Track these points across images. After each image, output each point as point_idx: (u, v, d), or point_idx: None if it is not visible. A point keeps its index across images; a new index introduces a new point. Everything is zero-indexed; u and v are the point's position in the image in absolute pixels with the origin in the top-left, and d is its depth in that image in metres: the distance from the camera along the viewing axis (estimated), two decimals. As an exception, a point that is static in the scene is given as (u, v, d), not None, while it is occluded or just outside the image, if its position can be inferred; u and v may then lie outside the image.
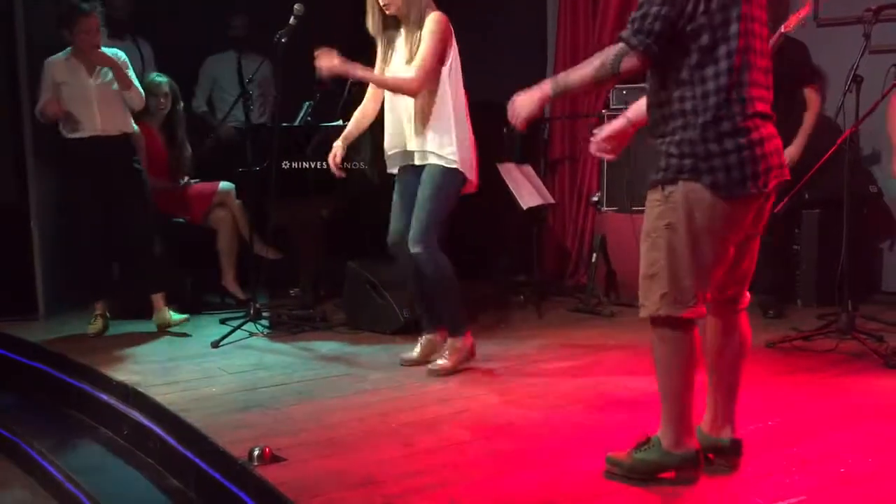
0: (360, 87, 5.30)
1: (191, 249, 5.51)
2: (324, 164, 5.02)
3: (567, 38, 6.26)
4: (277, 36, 4.50)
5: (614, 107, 5.75)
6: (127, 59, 4.81)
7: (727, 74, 2.38)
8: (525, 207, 5.14)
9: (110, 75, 4.71)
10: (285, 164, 4.95)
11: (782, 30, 4.56)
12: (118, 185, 4.75)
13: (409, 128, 3.85)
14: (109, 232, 4.78)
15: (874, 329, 4.35)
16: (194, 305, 5.30)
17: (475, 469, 2.75)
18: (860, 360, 3.95)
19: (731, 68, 2.38)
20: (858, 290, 4.60)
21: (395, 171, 4.03)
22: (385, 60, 3.91)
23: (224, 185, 5.58)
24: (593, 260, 5.49)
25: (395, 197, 4.01)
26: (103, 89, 4.69)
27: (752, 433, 3.03)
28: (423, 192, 3.80)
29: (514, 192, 5.12)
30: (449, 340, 3.91)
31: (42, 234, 5.21)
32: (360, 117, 4.11)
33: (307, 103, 5.46)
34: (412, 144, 3.86)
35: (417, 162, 3.86)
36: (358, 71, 3.77)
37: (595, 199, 5.84)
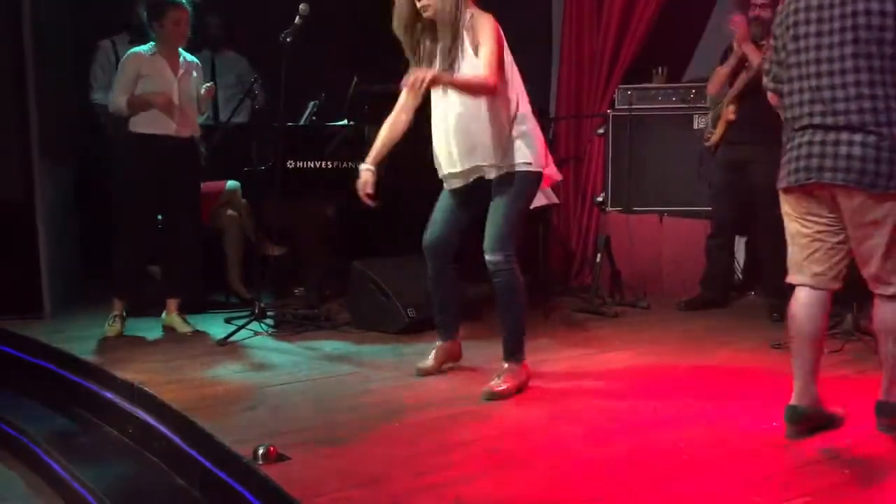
0: (365, 87, 5.33)
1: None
2: (329, 163, 5.08)
3: (571, 45, 6.26)
4: (283, 36, 4.51)
5: (619, 107, 5.77)
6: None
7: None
8: (529, 207, 5.13)
9: (193, 75, 4.74)
10: (290, 164, 4.96)
11: None
12: (180, 189, 4.72)
13: (467, 144, 3.54)
14: (156, 231, 4.72)
15: (879, 330, 4.35)
16: (199, 304, 5.31)
17: (480, 469, 2.76)
18: (865, 362, 3.95)
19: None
20: (864, 291, 4.58)
21: (450, 186, 3.70)
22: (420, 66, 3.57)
23: (231, 184, 5.60)
24: (598, 260, 5.49)
25: (446, 200, 3.73)
26: (184, 90, 4.68)
27: (757, 434, 3.03)
28: (499, 197, 3.54)
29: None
30: (507, 365, 3.60)
31: (48, 233, 5.22)
32: (390, 134, 3.72)
33: (312, 103, 5.48)
34: (477, 159, 3.55)
35: (487, 177, 3.57)
36: (444, 77, 3.39)
37: (599, 199, 5.85)
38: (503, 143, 3.51)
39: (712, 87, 5.17)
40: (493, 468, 2.77)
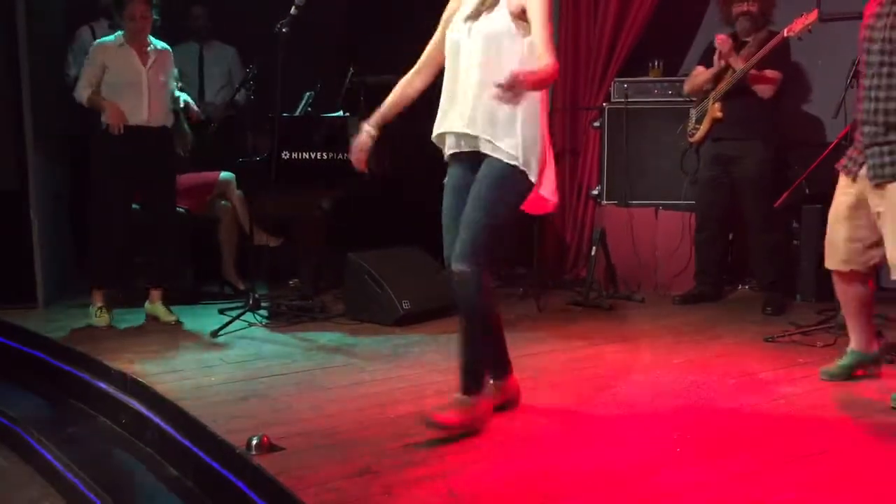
0: (361, 78, 5.32)
1: (191, 239, 5.52)
2: (325, 154, 5.07)
3: (568, 37, 6.23)
4: (278, 26, 4.49)
5: (615, 100, 5.77)
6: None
7: None
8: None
9: (164, 63, 4.72)
10: (286, 155, 4.95)
11: (785, 33, 4.55)
12: (155, 179, 4.71)
13: (472, 106, 2.93)
14: (135, 223, 4.69)
15: (872, 324, 4.36)
16: (193, 295, 5.31)
17: (473, 460, 2.76)
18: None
19: None
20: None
21: (447, 153, 3.10)
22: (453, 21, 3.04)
23: (225, 174, 5.59)
24: (592, 253, 5.49)
25: (448, 198, 3.10)
26: (154, 80, 4.66)
27: (747, 427, 3.04)
28: (478, 192, 2.94)
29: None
30: (459, 397, 3.01)
31: (41, 223, 5.20)
32: (400, 96, 3.18)
33: (308, 94, 5.46)
34: (471, 126, 2.94)
35: (468, 148, 2.98)
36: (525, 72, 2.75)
37: (595, 192, 5.85)
38: (498, 120, 2.91)
39: (688, 87, 5.26)
40: (486, 460, 2.77)
